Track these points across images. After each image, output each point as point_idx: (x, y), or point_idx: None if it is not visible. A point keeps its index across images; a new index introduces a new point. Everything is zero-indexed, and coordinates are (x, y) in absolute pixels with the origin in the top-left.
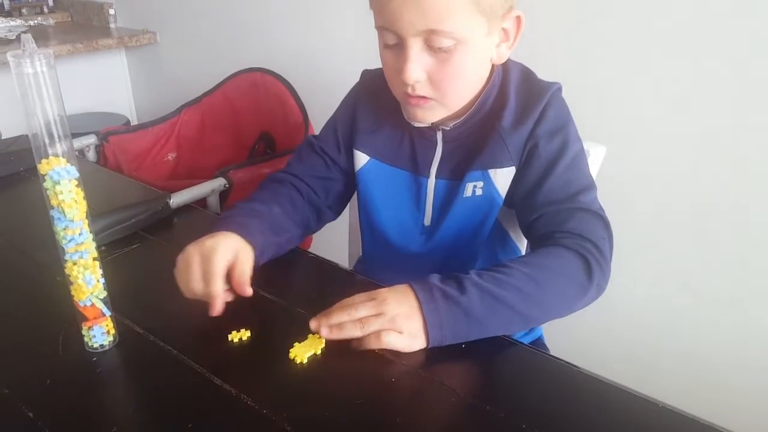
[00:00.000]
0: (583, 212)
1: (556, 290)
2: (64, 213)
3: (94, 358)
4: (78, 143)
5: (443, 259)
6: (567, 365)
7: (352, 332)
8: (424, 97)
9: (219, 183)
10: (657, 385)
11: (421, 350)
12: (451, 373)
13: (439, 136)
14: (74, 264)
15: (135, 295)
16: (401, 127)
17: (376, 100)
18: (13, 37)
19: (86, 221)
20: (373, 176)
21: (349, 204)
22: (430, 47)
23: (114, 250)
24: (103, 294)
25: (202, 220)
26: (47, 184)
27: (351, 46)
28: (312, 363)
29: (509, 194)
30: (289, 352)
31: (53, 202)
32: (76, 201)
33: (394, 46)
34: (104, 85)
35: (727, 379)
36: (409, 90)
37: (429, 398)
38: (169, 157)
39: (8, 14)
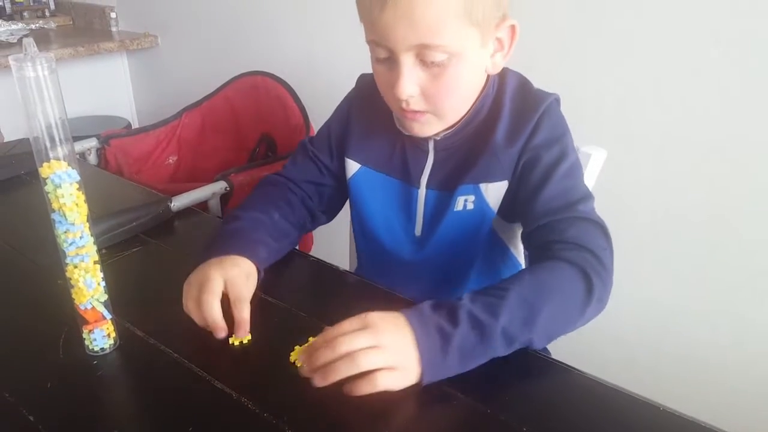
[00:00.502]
0: (582, 221)
1: (553, 313)
2: (65, 216)
3: (95, 362)
4: (79, 146)
5: (437, 270)
6: (567, 368)
7: (347, 371)
8: (419, 111)
9: (220, 186)
10: (657, 387)
11: None
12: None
13: (431, 145)
14: (75, 267)
15: (136, 299)
16: (394, 134)
17: (370, 106)
18: (15, 41)
19: (87, 224)
20: (364, 184)
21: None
22: (423, 61)
23: (115, 254)
24: (104, 297)
25: (203, 224)
26: (48, 187)
27: (351, 48)
28: None
29: (506, 208)
30: (289, 356)
31: (54, 205)
32: (77, 204)
33: (386, 60)
34: (105, 88)
35: (726, 382)
36: (404, 105)
37: (429, 401)
38: (170, 161)
39: (10, 18)
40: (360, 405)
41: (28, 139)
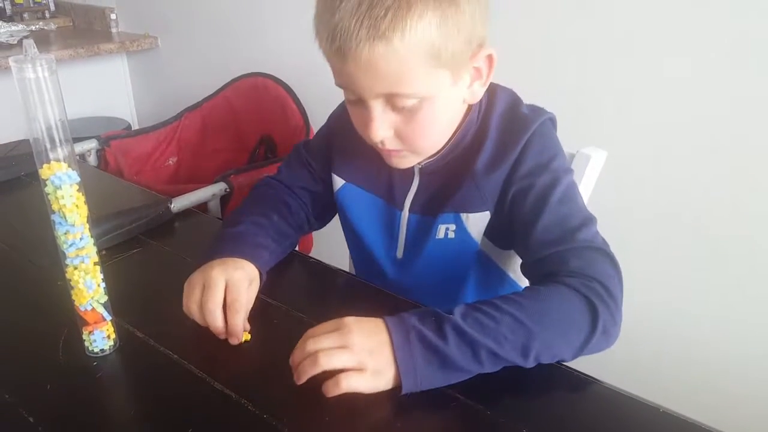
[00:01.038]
0: (585, 251)
1: (549, 339)
2: (65, 217)
3: (95, 363)
4: (79, 148)
5: (422, 293)
6: (567, 369)
7: (311, 370)
8: (395, 150)
9: (220, 187)
10: (657, 389)
11: None
12: None
13: (416, 168)
14: (75, 268)
15: (136, 300)
16: (379, 153)
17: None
18: (15, 42)
19: (87, 226)
20: (349, 199)
21: None
22: (394, 106)
23: (115, 255)
24: (104, 298)
25: (203, 225)
26: (48, 188)
27: None
28: None
29: (495, 237)
30: (289, 357)
31: (54, 206)
32: (77, 205)
33: (357, 101)
34: (105, 89)
35: (727, 384)
36: (380, 145)
37: (429, 403)
38: (170, 162)
39: (10, 19)
40: (360, 407)
41: (28, 140)
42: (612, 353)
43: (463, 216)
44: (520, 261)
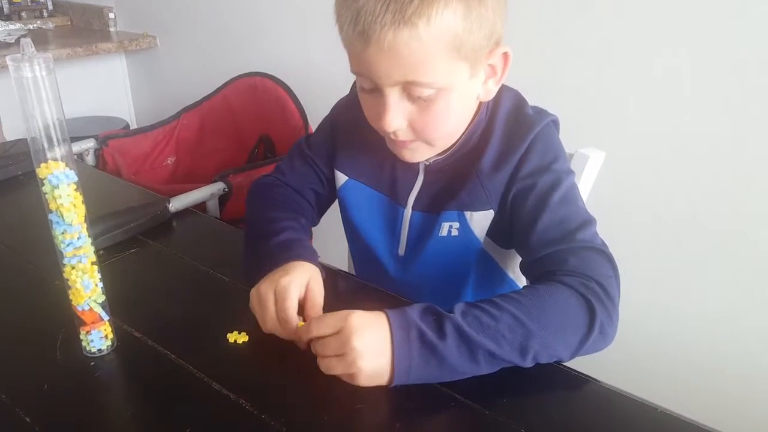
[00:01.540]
0: (583, 250)
1: (547, 338)
2: (62, 217)
3: (92, 363)
4: (77, 147)
5: (423, 292)
6: (565, 369)
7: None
8: (408, 140)
9: (218, 187)
10: (656, 389)
11: None
12: None
13: (422, 166)
14: (72, 268)
15: (133, 300)
16: (384, 150)
17: (357, 123)
18: (13, 41)
19: (85, 225)
20: (352, 196)
21: None
22: (410, 95)
23: (112, 255)
24: (102, 298)
25: (202, 225)
26: (46, 188)
27: None
28: None
29: (497, 236)
30: (289, 358)
31: (52, 206)
32: (74, 205)
33: (372, 90)
34: (104, 88)
35: (724, 384)
36: (392, 136)
37: (428, 403)
38: (169, 161)
39: (7, 18)
40: (359, 407)
41: (26, 139)
42: (610, 353)
43: (467, 214)
44: (520, 260)
